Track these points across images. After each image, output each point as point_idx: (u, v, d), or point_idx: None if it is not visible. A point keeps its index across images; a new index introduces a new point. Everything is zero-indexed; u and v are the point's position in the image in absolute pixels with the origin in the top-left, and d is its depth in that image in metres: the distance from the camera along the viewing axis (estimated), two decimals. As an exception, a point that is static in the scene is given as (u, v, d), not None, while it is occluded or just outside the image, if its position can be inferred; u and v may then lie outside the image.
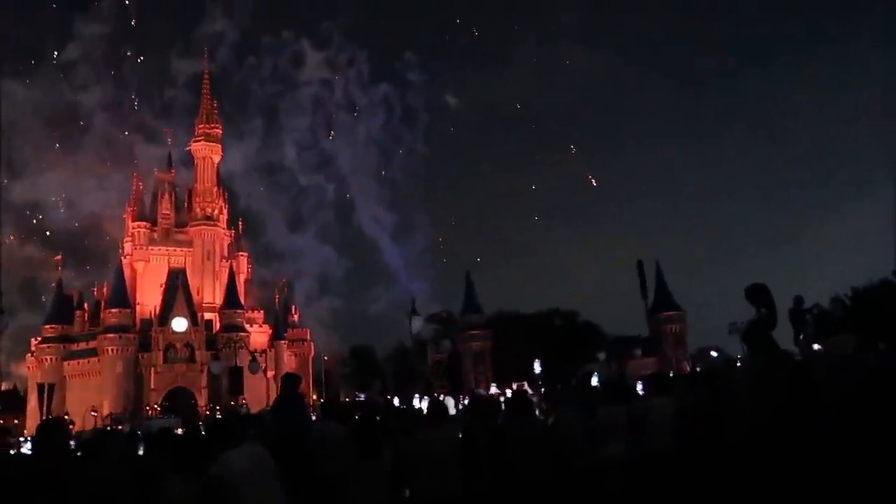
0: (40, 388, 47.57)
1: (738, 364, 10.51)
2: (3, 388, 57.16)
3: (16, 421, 51.80)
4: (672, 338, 57.38)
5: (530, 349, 52.75)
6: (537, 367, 51.15)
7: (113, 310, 60.56)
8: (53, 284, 65.27)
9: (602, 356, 55.45)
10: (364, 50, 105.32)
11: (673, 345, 56.77)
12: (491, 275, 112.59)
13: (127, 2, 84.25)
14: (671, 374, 17.51)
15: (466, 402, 15.91)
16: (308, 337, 71.23)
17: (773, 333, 5.83)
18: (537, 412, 8.14)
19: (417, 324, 18.29)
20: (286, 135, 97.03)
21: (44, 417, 37.03)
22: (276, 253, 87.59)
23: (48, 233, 77.97)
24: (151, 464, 4.93)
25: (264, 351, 63.10)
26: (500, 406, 7.40)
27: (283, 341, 66.74)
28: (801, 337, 12.61)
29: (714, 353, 39.17)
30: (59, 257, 66.11)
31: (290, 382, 7.59)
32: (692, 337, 59.28)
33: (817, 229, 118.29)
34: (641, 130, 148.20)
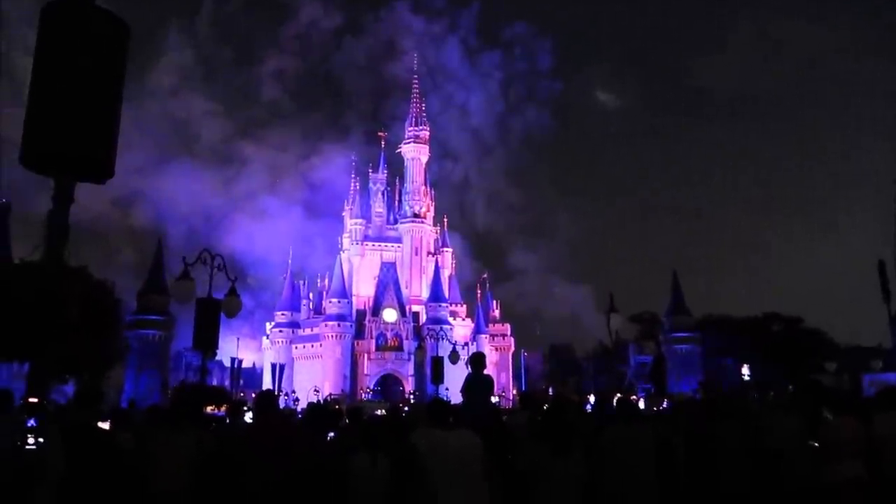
0: (273, 367, 53.72)
1: None
2: (244, 365, 65.27)
3: (253, 395, 58.84)
4: (922, 350, 49.30)
5: (742, 355, 48.92)
6: (746, 373, 47.24)
7: (333, 300, 66.47)
8: (283, 277, 72.96)
9: (832, 367, 49.66)
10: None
11: (924, 358, 48.75)
12: (695, 275, 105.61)
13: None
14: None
15: (665, 405, 15.04)
16: (508, 332, 72.30)
17: None
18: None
19: (616, 322, 17.59)
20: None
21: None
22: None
23: None
24: (343, 441, 5.19)
25: (466, 343, 65.12)
26: (702, 411, 6.82)
27: (484, 335, 68.42)
28: None
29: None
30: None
31: (476, 362, 7.87)
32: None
33: None
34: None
